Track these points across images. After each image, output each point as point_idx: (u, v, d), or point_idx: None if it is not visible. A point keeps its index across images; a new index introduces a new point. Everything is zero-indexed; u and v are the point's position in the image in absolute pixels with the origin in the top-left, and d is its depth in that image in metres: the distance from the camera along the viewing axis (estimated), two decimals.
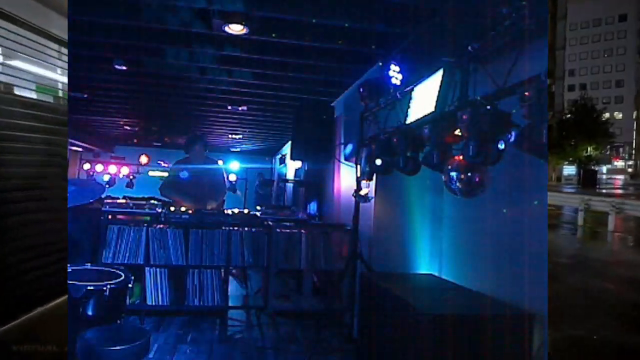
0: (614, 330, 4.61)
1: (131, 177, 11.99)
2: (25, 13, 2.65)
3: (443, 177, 2.56)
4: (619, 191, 27.82)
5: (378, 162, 3.60)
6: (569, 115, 38.40)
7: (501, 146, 2.20)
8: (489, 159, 2.26)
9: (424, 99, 2.98)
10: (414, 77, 3.30)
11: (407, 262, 3.97)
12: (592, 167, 35.67)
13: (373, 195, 4.17)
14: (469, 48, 2.56)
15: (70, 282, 2.99)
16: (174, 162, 5.88)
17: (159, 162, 11.73)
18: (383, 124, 3.73)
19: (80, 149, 12.22)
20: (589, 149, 36.22)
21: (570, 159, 37.55)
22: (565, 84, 52.54)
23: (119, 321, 3.21)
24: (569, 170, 40.21)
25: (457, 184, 2.44)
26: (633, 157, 56.75)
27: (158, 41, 4.26)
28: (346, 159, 5.19)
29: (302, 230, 4.92)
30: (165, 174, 9.28)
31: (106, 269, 3.53)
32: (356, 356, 3.80)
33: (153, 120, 9.23)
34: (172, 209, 5.03)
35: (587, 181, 30.52)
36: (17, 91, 2.73)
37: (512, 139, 2.13)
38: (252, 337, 4.31)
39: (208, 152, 5.76)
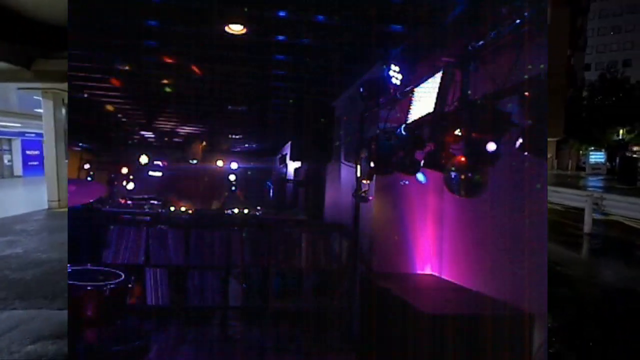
0: None
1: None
2: None
3: (443, 176, 2.56)
4: None
5: (378, 162, 3.59)
6: (585, 94, 32.40)
7: (501, 146, 2.21)
8: (488, 159, 2.26)
9: (424, 99, 2.98)
10: (414, 77, 3.30)
11: (407, 262, 3.96)
12: (630, 154, 27.56)
13: (373, 195, 4.17)
14: (469, 48, 2.56)
15: (71, 282, 3.00)
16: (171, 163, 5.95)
17: (156, 162, 11.67)
18: (383, 124, 3.72)
19: (80, 149, 12.19)
20: (620, 131, 29.43)
21: (593, 145, 30.21)
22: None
23: (118, 321, 3.21)
24: (596, 157, 29.77)
25: (457, 183, 2.43)
26: None
27: (158, 41, 4.25)
28: (346, 159, 5.18)
29: (302, 230, 4.92)
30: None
31: (106, 269, 3.54)
32: (356, 356, 3.80)
33: (153, 121, 9.21)
34: (172, 209, 5.03)
35: (625, 172, 22.49)
36: None
37: (512, 139, 2.13)
38: (252, 337, 4.31)
39: (208, 152, 5.80)
